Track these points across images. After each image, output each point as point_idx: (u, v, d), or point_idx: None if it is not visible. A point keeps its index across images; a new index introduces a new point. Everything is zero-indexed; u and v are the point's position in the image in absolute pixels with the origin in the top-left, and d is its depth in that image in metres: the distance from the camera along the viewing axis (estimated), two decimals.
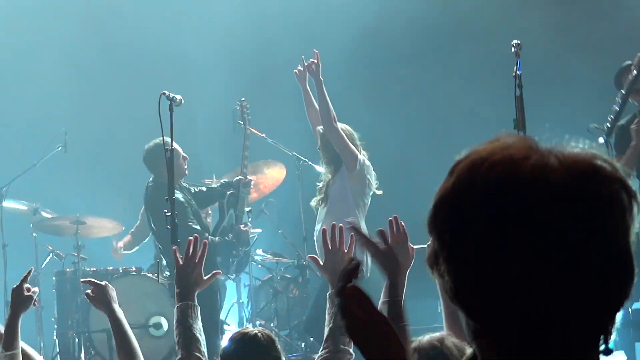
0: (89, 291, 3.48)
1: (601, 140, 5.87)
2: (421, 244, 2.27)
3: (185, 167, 6.56)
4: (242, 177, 6.70)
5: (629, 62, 6.28)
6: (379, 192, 6.26)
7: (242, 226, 6.54)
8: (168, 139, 5.42)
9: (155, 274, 6.46)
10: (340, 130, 5.92)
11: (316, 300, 5.99)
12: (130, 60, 9.22)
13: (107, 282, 3.52)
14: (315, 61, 5.91)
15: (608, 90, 6.18)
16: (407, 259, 2.88)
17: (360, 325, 1.33)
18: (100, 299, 3.47)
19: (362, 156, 6.06)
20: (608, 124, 6.02)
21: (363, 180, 6.10)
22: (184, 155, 6.45)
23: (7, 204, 7.58)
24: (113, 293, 3.50)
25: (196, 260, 3.44)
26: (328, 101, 5.89)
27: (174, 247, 3.78)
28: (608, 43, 6.66)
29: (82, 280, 3.58)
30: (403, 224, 2.95)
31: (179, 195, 6.30)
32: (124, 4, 9.09)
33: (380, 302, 2.72)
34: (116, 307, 3.49)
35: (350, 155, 5.99)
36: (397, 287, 2.65)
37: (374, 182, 6.17)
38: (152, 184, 6.43)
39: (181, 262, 3.44)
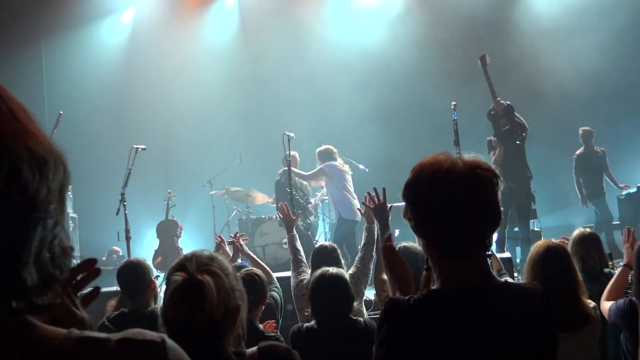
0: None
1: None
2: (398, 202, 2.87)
3: (314, 182, 9.43)
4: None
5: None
6: (366, 169, 9.14)
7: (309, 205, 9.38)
8: (293, 152, 8.39)
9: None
10: (310, 177, 8.49)
11: None
12: (267, 107, 12.57)
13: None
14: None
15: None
16: (386, 211, 3.63)
17: (389, 257, 2.24)
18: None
19: (332, 163, 8.24)
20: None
21: (336, 175, 8.37)
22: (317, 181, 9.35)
23: (213, 191, 11.05)
24: (244, 246, 4.92)
25: (290, 212, 5.00)
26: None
27: (280, 204, 5.17)
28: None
29: (217, 236, 5.10)
30: (381, 194, 3.79)
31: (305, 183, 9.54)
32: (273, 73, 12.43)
33: (380, 232, 3.55)
34: (248, 253, 4.79)
35: (319, 177, 8.62)
36: (385, 225, 3.49)
37: (348, 170, 8.47)
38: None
39: (286, 212, 4.99)
